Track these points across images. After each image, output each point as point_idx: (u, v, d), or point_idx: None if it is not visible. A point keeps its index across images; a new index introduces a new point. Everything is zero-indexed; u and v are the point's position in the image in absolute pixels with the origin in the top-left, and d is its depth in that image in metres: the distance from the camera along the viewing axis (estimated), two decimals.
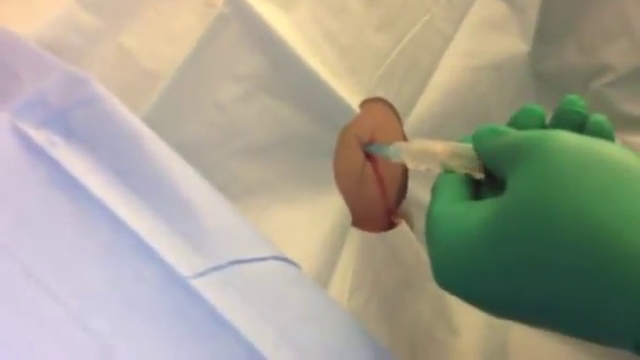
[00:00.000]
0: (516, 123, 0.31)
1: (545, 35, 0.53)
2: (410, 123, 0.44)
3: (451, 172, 0.32)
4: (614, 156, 0.25)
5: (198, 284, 0.26)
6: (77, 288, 0.25)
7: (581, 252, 0.23)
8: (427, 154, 0.33)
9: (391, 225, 0.43)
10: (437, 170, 0.33)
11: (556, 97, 0.32)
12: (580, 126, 0.30)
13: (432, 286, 0.30)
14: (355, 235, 0.41)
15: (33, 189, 0.26)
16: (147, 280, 0.25)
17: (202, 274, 0.26)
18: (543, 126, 0.31)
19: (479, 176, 0.31)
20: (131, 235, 0.26)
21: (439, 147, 0.33)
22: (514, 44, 0.50)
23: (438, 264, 0.28)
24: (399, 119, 0.43)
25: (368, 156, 0.41)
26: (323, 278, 0.37)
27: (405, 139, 0.44)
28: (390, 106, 0.43)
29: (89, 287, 0.25)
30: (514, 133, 0.29)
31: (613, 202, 0.23)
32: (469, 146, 0.31)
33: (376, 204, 0.42)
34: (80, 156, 0.27)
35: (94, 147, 0.28)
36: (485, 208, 0.27)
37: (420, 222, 0.45)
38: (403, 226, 0.44)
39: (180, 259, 0.26)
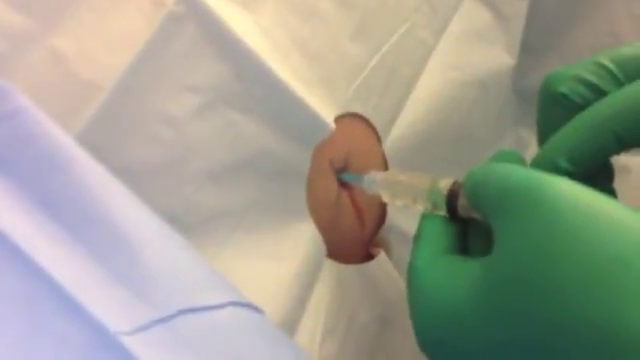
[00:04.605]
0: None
1: (528, 48, 0.50)
2: (390, 142, 0.41)
3: (433, 213, 0.28)
4: (630, 222, 0.21)
5: (136, 342, 0.21)
6: None
7: (588, 344, 0.20)
8: (404, 188, 0.30)
9: (369, 256, 0.40)
10: (416, 207, 0.30)
11: None
12: None
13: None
14: (329, 268, 0.37)
15: None
16: (70, 342, 0.20)
17: (143, 328, 0.22)
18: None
19: (463, 216, 0.28)
20: (51, 284, 0.21)
21: (418, 181, 0.30)
22: (500, 57, 0.47)
23: (420, 328, 0.26)
24: (378, 138, 0.40)
25: (343, 184, 0.38)
26: (292, 319, 0.34)
27: (385, 162, 0.40)
28: (368, 123, 0.39)
29: None
30: (502, 169, 0.25)
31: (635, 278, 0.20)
32: (450, 181, 0.28)
33: (354, 235, 0.39)
34: None
35: (14, 171, 0.24)
36: (472, 270, 0.24)
37: (398, 250, 0.41)
38: (381, 256, 0.40)
39: (114, 311, 0.21)
